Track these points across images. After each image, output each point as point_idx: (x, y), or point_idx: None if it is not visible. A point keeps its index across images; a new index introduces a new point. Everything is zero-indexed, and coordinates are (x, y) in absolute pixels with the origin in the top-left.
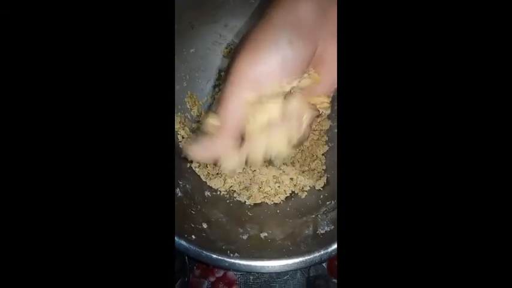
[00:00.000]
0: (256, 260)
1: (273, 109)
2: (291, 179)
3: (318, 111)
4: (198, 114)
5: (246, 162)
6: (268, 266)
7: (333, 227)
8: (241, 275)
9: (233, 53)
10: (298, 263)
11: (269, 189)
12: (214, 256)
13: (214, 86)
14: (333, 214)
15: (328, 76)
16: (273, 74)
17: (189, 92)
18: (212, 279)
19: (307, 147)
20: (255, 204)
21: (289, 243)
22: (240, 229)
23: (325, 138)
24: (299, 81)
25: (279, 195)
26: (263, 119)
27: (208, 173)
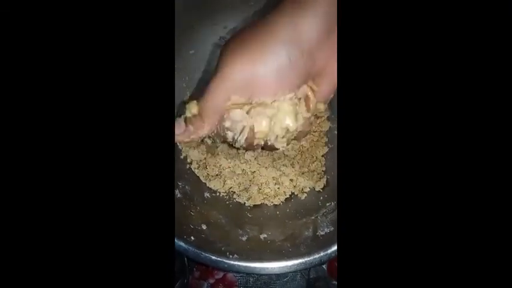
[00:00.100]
0: (255, 262)
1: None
2: (291, 180)
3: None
4: None
5: (249, 143)
6: (267, 268)
7: (332, 228)
8: (240, 276)
9: (225, 47)
10: (297, 264)
11: (269, 190)
12: (214, 257)
13: None
14: (333, 215)
15: (326, 87)
16: (266, 85)
17: (188, 92)
18: (212, 281)
19: (307, 149)
20: (254, 205)
21: (289, 245)
22: (239, 230)
23: (325, 139)
24: (293, 95)
25: (278, 197)
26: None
27: (207, 174)
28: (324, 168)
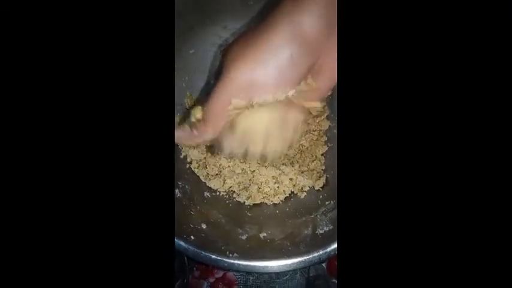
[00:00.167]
0: (255, 260)
1: (268, 113)
2: (290, 179)
3: (310, 113)
4: None
5: (245, 155)
6: (267, 266)
7: (332, 227)
8: (240, 275)
9: (227, 51)
10: (297, 263)
11: (268, 189)
12: (214, 256)
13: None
14: (332, 214)
15: (324, 84)
16: (268, 84)
17: (188, 92)
18: (212, 280)
19: (307, 148)
20: (254, 204)
21: (289, 244)
22: (239, 229)
23: (324, 138)
24: (294, 91)
25: (278, 196)
26: (260, 121)
27: (207, 173)
28: (323, 167)
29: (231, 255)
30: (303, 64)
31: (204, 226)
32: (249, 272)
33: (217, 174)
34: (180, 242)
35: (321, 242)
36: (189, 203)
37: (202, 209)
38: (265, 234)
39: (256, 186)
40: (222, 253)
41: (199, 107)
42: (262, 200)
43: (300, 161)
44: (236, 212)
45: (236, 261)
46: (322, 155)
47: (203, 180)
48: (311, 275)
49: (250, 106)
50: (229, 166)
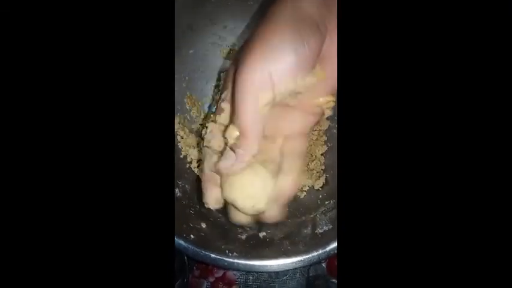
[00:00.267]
0: (254, 260)
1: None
2: None
3: (323, 113)
4: (197, 114)
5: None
6: (266, 265)
7: (331, 226)
8: (240, 275)
9: (237, 56)
10: (296, 262)
11: None
12: (213, 255)
13: (214, 87)
14: (332, 213)
15: (333, 71)
16: (288, 67)
17: (188, 92)
18: (211, 279)
19: (306, 147)
20: None
21: (288, 243)
22: (238, 229)
23: (324, 138)
24: (307, 78)
25: None
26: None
27: None
28: (323, 167)
29: (230, 254)
30: (315, 45)
31: (203, 225)
32: (248, 271)
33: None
34: (179, 241)
35: (320, 241)
36: (188, 202)
37: (202, 208)
38: (264, 234)
39: None
40: (222, 252)
41: (232, 126)
42: None
43: None
44: None
45: (235, 260)
46: (321, 154)
47: None
48: (311, 274)
49: (277, 97)
50: None
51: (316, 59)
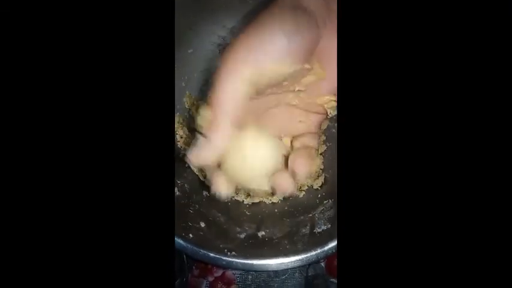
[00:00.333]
0: (253, 259)
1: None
2: None
3: (326, 113)
4: (196, 114)
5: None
6: (264, 264)
7: (330, 225)
8: (239, 274)
9: (228, 48)
10: (295, 261)
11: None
12: (212, 255)
13: None
14: (331, 213)
15: (333, 71)
16: (276, 53)
17: (187, 92)
18: (211, 278)
19: (317, 146)
20: (253, 203)
21: (287, 242)
22: (237, 228)
23: (323, 137)
24: (303, 77)
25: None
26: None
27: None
28: (322, 166)
29: (229, 253)
30: (309, 36)
31: (202, 224)
32: (247, 270)
33: None
34: (178, 240)
35: (318, 240)
36: (187, 201)
37: (201, 208)
38: (263, 233)
39: None
40: (220, 251)
41: (205, 105)
42: (261, 199)
43: None
44: (235, 210)
45: (234, 260)
46: (321, 154)
47: (202, 179)
48: (310, 274)
49: (260, 79)
50: None
51: (309, 53)
